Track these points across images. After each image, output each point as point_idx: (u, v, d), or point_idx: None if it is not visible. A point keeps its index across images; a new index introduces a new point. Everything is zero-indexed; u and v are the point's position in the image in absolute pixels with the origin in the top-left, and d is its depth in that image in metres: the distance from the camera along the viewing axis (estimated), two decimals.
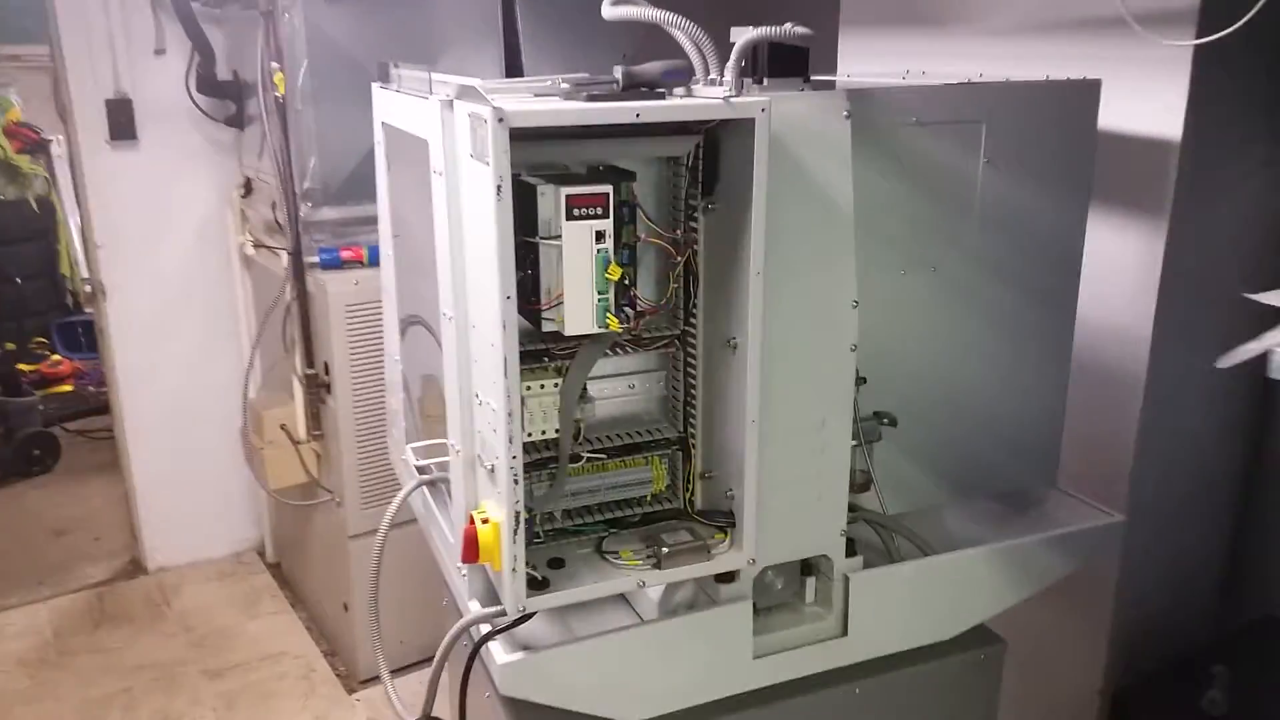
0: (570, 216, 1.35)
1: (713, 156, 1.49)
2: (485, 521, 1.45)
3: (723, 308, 1.53)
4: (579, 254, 1.36)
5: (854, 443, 1.66)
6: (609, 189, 1.36)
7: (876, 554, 1.80)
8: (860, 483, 1.73)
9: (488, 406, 1.43)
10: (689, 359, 1.60)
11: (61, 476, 4.99)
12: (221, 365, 3.60)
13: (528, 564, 1.51)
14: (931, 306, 1.80)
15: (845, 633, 1.71)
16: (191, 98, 3.36)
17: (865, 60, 2.88)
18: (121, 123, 3.38)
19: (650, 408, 1.66)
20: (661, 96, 1.39)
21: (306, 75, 2.86)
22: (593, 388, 1.60)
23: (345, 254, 2.94)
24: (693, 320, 1.58)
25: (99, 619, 3.66)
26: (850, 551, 1.70)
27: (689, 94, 1.44)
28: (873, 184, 1.63)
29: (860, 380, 1.64)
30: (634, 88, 1.38)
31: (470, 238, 1.42)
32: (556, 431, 1.51)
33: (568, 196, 1.34)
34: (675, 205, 1.53)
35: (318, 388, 2.99)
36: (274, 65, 2.76)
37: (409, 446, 1.91)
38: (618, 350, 1.57)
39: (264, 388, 3.55)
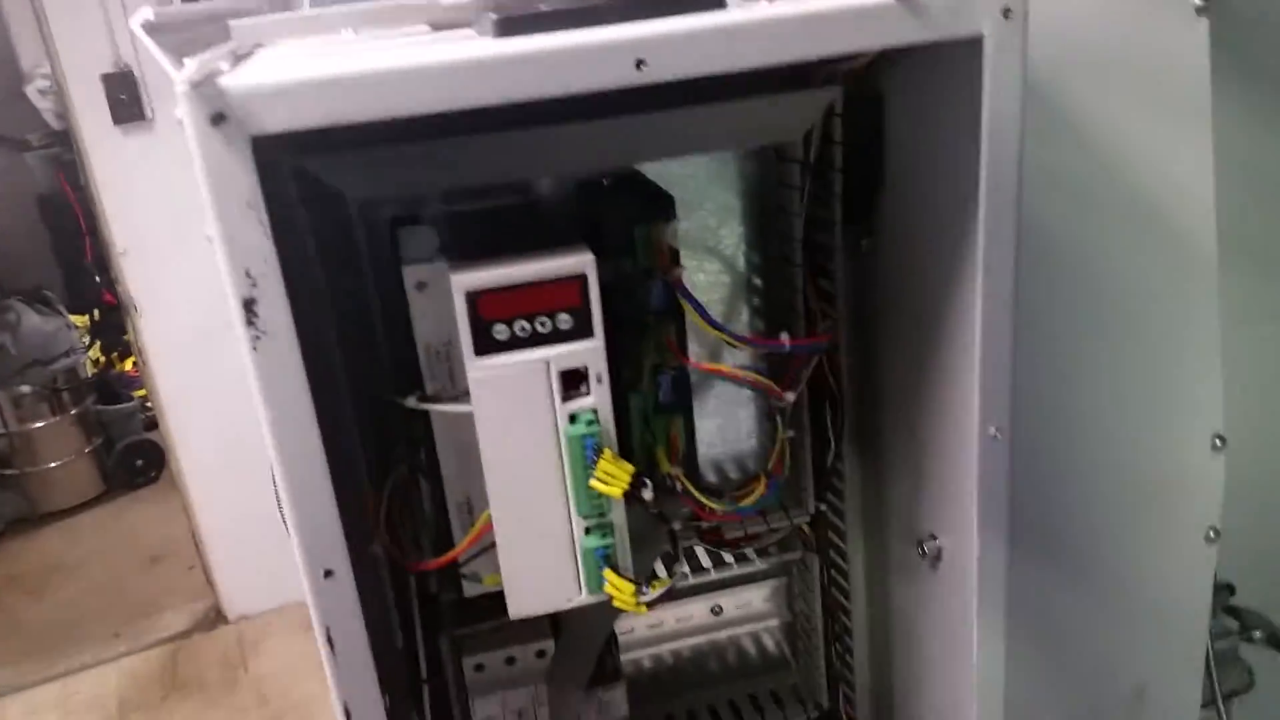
0: (488, 346, 0.51)
1: (860, 135, 0.63)
2: None
3: (904, 467, 0.68)
4: (520, 436, 0.53)
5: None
6: (584, 260, 0.52)
7: None
8: None
9: None
10: (835, 557, 0.76)
11: (168, 487, 4.56)
12: None
13: None
14: None
15: None
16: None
17: None
18: (124, 100, 2.72)
19: (760, 639, 0.82)
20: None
21: None
22: (632, 624, 0.78)
23: None
24: (836, 489, 0.73)
25: (169, 686, 3.16)
26: None
27: None
28: (1238, 148, 0.71)
29: (1224, 591, 0.76)
30: None
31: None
32: None
33: (474, 295, 0.50)
34: (783, 254, 0.68)
35: None
36: None
37: None
38: (677, 567, 0.74)
39: None
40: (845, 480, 0.73)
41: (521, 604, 0.56)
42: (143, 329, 3.04)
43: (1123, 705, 0.73)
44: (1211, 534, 0.69)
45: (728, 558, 0.74)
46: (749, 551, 0.75)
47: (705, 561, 0.76)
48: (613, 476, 0.52)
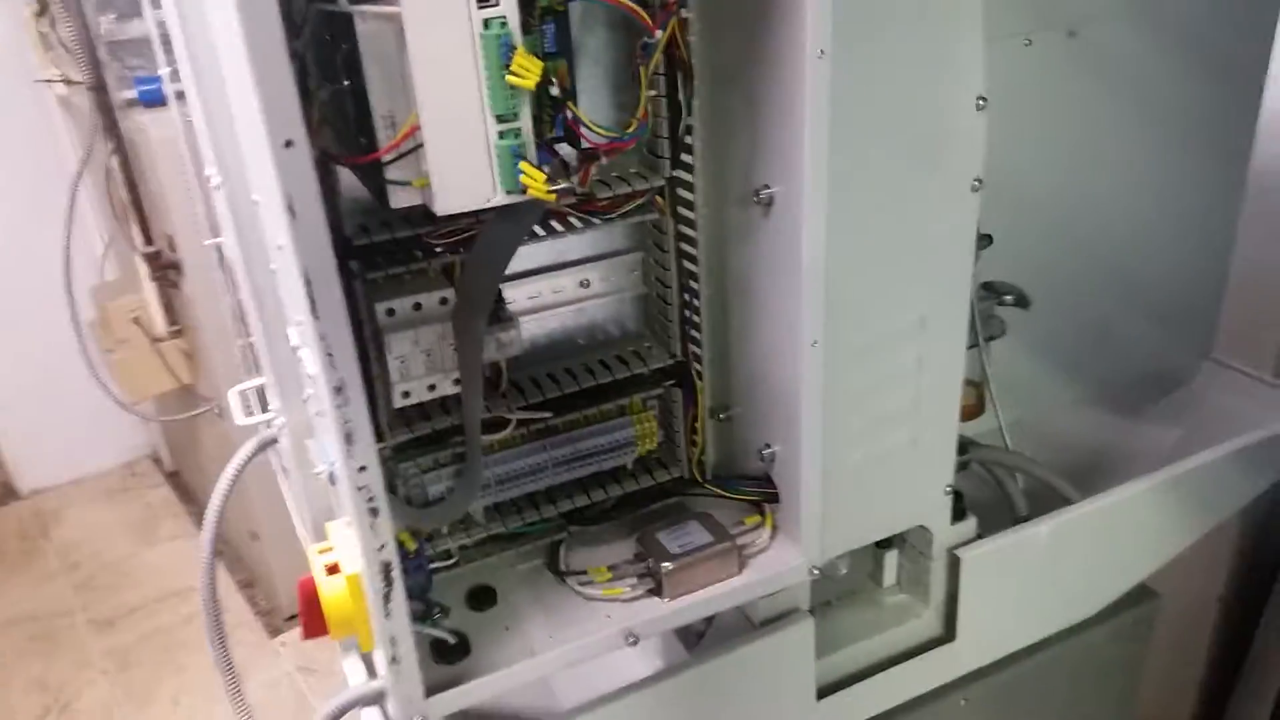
0: None
1: None
2: (334, 571, 0.78)
3: (742, 132, 0.82)
4: (442, 36, 0.62)
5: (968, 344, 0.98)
6: None
7: (989, 506, 1.15)
8: (968, 404, 1.07)
9: (303, 363, 0.73)
10: (684, 228, 0.90)
11: None
12: (60, 240, 2.79)
13: (429, 611, 0.86)
14: (1065, 95, 1.09)
15: (952, 635, 1.09)
16: None
17: None
18: None
19: (621, 317, 0.96)
20: None
21: None
22: (514, 295, 0.90)
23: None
24: (686, 158, 0.86)
25: None
26: (957, 512, 1.05)
27: None
28: None
29: (984, 239, 0.95)
30: None
31: None
32: (456, 384, 0.82)
33: None
34: None
35: (163, 269, 2.25)
36: None
37: (233, 389, 1.21)
38: (554, 225, 0.86)
39: (113, 268, 2.78)
40: (696, 154, 0.86)
41: (447, 201, 0.66)
42: None
43: (912, 331, 0.91)
44: (975, 183, 0.88)
45: (596, 222, 0.86)
46: (614, 218, 0.88)
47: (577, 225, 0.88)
48: (526, 70, 0.63)
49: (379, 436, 0.83)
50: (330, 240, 0.61)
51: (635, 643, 0.84)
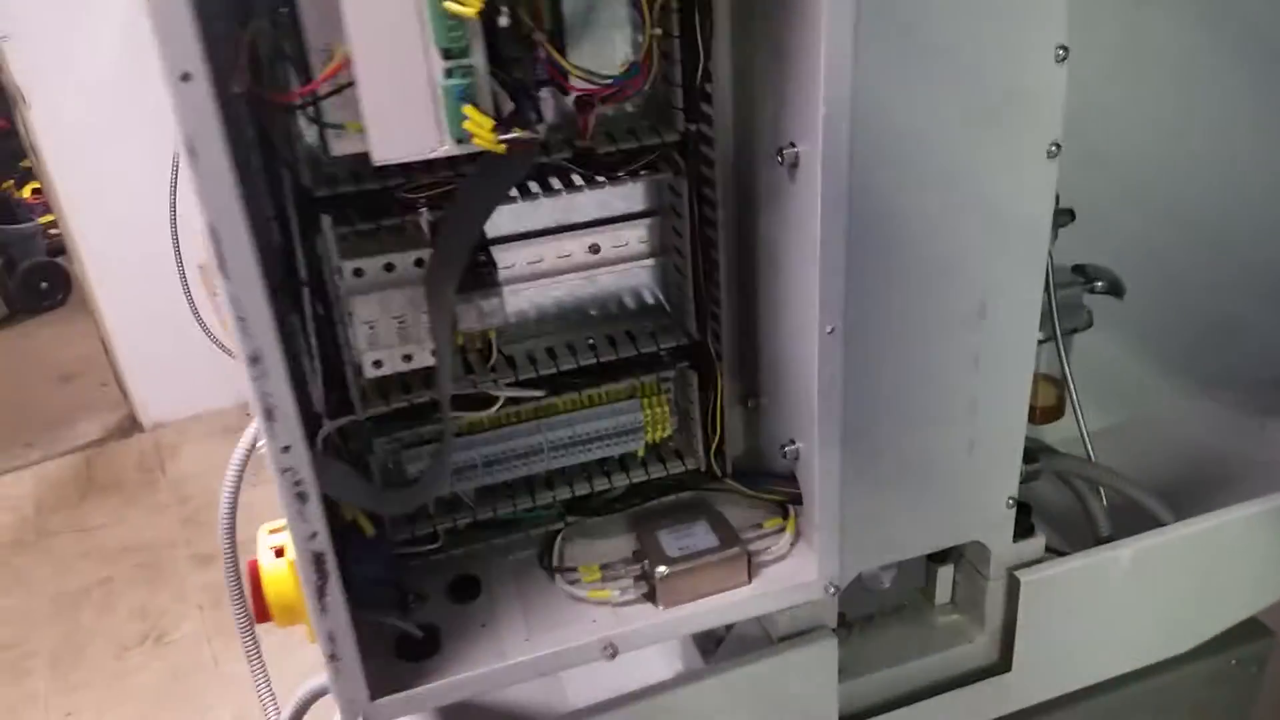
0: None
1: None
2: (281, 554, 0.72)
3: (768, 81, 0.71)
4: None
5: (1041, 336, 0.84)
6: None
7: (1064, 523, 1.01)
8: (1046, 405, 0.93)
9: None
10: (705, 189, 0.79)
11: (75, 310, 4.46)
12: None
13: (404, 600, 0.79)
14: (1179, 50, 0.92)
15: (1008, 665, 0.96)
16: None
17: None
18: None
19: (637, 288, 0.86)
20: None
21: None
22: (513, 259, 0.81)
23: None
24: (707, 109, 0.75)
25: (86, 488, 3.17)
26: (1023, 529, 0.92)
27: None
28: None
29: (1064, 215, 0.81)
30: None
31: None
32: (433, 354, 0.74)
33: None
34: None
35: None
36: None
37: None
38: (551, 182, 0.76)
39: None
40: (716, 105, 0.75)
41: (385, 150, 0.58)
42: (34, 121, 2.91)
43: (968, 320, 0.78)
44: (1053, 149, 0.74)
45: (600, 180, 0.76)
46: (622, 177, 0.78)
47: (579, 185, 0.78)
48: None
49: (350, 409, 0.76)
50: (237, 187, 0.54)
51: (613, 656, 0.75)
